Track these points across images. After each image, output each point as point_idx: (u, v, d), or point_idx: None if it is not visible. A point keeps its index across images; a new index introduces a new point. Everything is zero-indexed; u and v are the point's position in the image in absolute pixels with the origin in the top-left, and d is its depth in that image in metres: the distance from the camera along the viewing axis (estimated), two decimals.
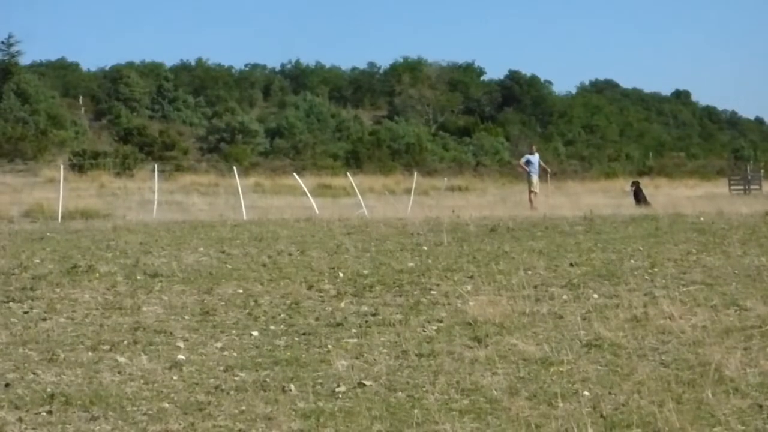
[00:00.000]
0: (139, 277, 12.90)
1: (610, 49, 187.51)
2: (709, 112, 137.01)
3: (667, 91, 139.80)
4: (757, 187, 51.77)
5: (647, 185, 41.15)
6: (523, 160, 31.92)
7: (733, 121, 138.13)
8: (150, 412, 7.01)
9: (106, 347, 8.89)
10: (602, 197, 38.78)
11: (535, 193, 30.42)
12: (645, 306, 10.17)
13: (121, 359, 8.45)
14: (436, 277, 12.65)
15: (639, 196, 30.89)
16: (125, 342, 9.07)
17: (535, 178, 30.57)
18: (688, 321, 9.44)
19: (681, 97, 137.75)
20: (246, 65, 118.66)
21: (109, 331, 9.59)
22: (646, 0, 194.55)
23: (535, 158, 30.99)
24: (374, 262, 14.33)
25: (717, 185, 56.91)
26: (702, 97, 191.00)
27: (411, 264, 13.99)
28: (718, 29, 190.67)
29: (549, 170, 34.18)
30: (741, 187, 51.94)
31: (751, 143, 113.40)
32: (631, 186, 33.00)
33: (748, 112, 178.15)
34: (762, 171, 60.06)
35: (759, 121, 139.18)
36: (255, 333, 9.51)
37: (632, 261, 13.76)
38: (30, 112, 79.93)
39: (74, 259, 14.67)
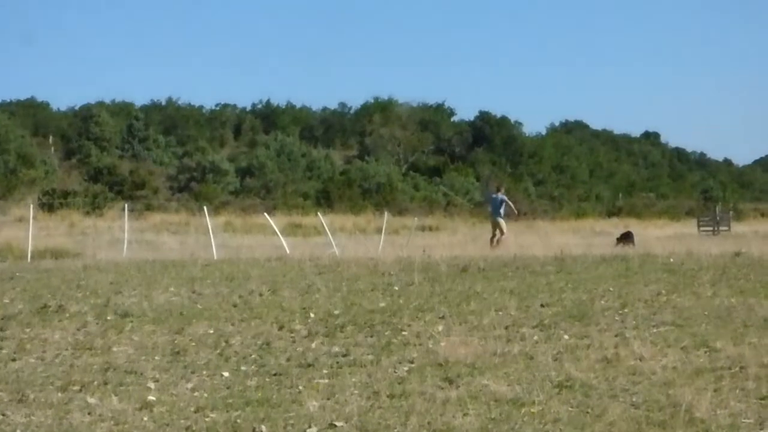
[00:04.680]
0: (109, 317, 12.84)
1: (581, 90, 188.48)
2: (679, 153, 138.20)
3: (636, 132, 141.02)
4: (726, 228, 52.19)
5: (617, 225, 41.36)
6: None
7: (702, 161, 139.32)
8: None
9: (76, 388, 8.83)
10: (573, 237, 38.94)
11: (494, 234, 29.90)
12: (616, 347, 10.20)
13: (92, 400, 8.39)
14: (407, 317, 12.64)
15: (628, 238, 30.79)
16: (95, 382, 9.02)
17: (493, 219, 30.14)
18: (659, 362, 9.47)
19: (650, 137, 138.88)
20: (217, 105, 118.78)
21: (79, 372, 9.53)
22: (615, 42, 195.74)
23: (497, 197, 30.37)
24: (345, 301, 14.31)
25: (686, 225, 57.26)
26: (671, 138, 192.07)
27: (382, 304, 13.98)
28: (688, 71, 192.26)
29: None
30: (710, 228, 52.31)
31: (720, 184, 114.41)
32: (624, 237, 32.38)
33: (716, 154, 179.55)
34: (731, 212, 60.59)
35: (727, 162, 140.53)
36: (226, 373, 9.47)
37: (603, 301, 13.80)
38: None
39: (44, 298, 14.60)
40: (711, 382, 8.67)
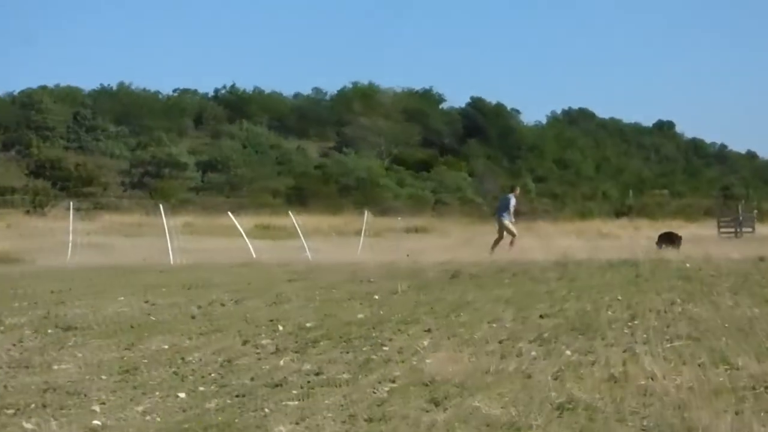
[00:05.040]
0: (50, 331, 12.78)
1: (585, 75, 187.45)
2: (696, 145, 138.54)
3: (648, 121, 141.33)
4: (750, 229, 52.40)
5: (626, 227, 41.49)
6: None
7: (721, 155, 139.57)
8: None
9: (11, 411, 8.77)
10: (576, 239, 39.04)
11: (500, 237, 30.18)
12: (624, 363, 10.19)
13: (28, 425, 8.33)
14: (389, 330, 12.62)
15: (673, 241, 30.70)
16: (33, 405, 8.95)
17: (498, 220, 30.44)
18: (673, 381, 9.46)
19: (664, 128, 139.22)
20: (175, 90, 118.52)
21: (14, 393, 9.46)
22: (622, 22, 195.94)
23: (506, 197, 30.85)
24: (319, 313, 14.28)
25: (704, 227, 57.46)
26: (687, 128, 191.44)
27: (361, 315, 13.96)
28: (705, 55, 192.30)
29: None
30: (732, 230, 52.51)
31: (742, 180, 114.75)
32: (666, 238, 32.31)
33: (738, 146, 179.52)
34: (755, 212, 60.78)
35: (751, 155, 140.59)
36: (182, 395, 9.42)
37: (610, 312, 13.80)
38: None
39: None
40: (731, 404, 8.65)
